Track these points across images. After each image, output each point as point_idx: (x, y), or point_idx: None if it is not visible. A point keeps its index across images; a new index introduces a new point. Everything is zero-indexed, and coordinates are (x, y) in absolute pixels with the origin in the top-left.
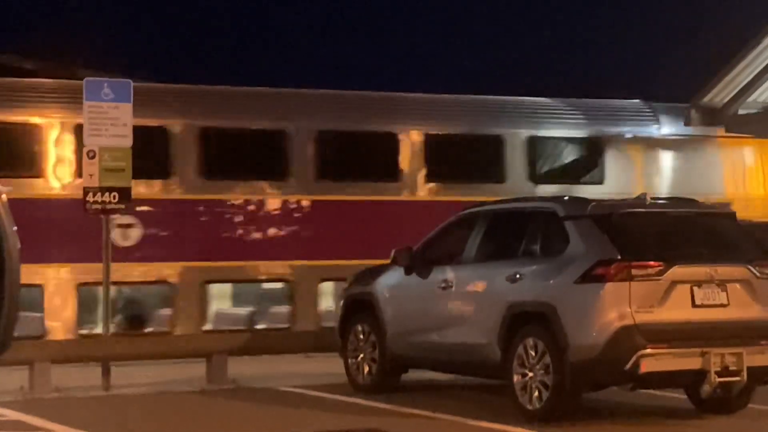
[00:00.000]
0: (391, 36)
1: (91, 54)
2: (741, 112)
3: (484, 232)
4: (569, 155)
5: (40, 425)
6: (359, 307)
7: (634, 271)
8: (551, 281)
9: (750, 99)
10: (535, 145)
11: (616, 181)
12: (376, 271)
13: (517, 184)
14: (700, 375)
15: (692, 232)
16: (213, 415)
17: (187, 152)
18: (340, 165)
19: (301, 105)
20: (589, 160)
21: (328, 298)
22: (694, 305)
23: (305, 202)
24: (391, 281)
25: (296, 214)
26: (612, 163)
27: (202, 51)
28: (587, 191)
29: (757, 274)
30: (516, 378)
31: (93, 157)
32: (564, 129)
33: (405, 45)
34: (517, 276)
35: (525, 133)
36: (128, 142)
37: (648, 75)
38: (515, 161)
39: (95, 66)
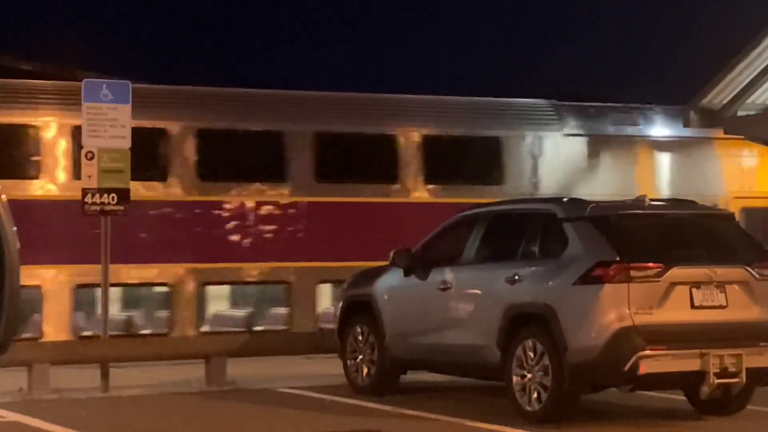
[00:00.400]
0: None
1: (89, 55)
2: (740, 113)
3: (483, 233)
4: (467, 155)
5: (38, 426)
6: (358, 308)
7: (632, 273)
8: (550, 283)
9: (749, 101)
10: (430, 144)
11: (517, 181)
12: (375, 273)
13: (410, 185)
14: (699, 376)
15: (691, 233)
16: (212, 417)
17: (56, 151)
18: (223, 165)
19: (184, 102)
20: (489, 160)
21: (213, 302)
22: (693, 306)
23: (186, 203)
24: (390, 282)
25: (176, 216)
26: (512, 163)
27: (202, 52)
28: (487, 192)
29: (756, 275)
30: (515, 379)
31: (92, 159)
32: (462, 128)
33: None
34: (516, 277)
35: (421, 132)
36: (127, 143)
37: (647, 76)
38: (409, 161)
39: (92, 68)
